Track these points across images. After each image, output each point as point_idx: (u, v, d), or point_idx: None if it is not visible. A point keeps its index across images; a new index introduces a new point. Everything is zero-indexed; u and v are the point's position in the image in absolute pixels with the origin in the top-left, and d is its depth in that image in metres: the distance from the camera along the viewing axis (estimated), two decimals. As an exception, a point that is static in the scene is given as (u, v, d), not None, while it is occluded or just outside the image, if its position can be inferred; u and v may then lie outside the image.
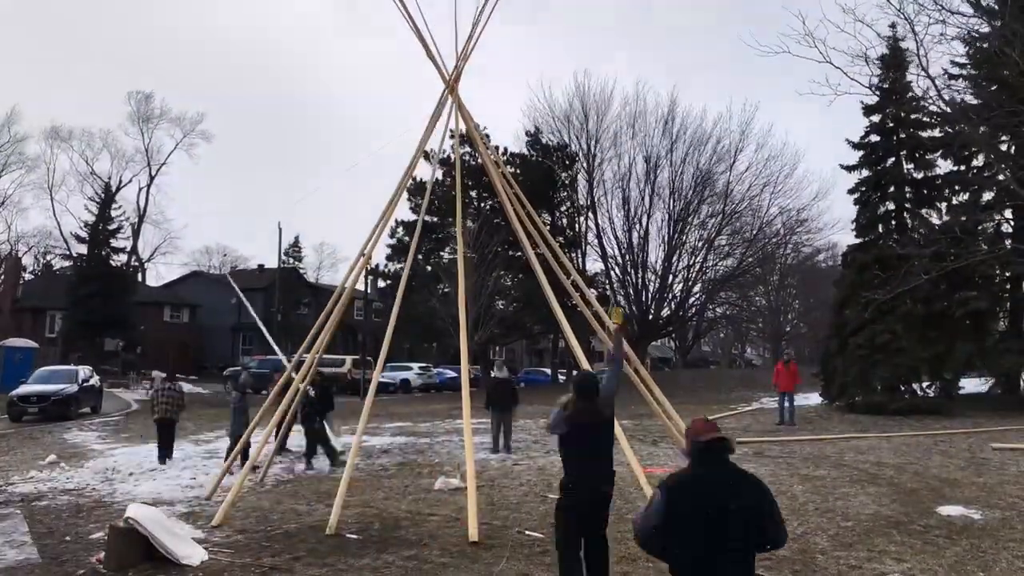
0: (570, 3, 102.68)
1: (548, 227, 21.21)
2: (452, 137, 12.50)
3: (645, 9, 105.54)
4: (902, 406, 21.61)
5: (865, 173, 25.40)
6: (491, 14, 11.29)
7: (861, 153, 25.47)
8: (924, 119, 24.07)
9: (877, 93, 17.25)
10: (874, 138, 25.28)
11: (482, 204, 35.64)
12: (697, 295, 45.30)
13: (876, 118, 24.99)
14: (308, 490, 10.90)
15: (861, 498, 10.06)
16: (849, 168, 25.75)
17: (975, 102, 18.80)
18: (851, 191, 25.74)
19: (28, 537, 8.23)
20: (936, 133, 24.09)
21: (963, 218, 22.77)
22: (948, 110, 10.96)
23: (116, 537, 7.06)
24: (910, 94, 23.55)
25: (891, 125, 24.79)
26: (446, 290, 31.96)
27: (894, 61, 23.04)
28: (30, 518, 9.13)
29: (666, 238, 42.37)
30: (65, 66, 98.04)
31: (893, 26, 21.40)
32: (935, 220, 25.15)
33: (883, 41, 21.40)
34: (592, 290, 29.86)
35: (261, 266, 65.14)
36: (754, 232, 43.63)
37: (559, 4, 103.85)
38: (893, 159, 25.07)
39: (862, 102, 24.29)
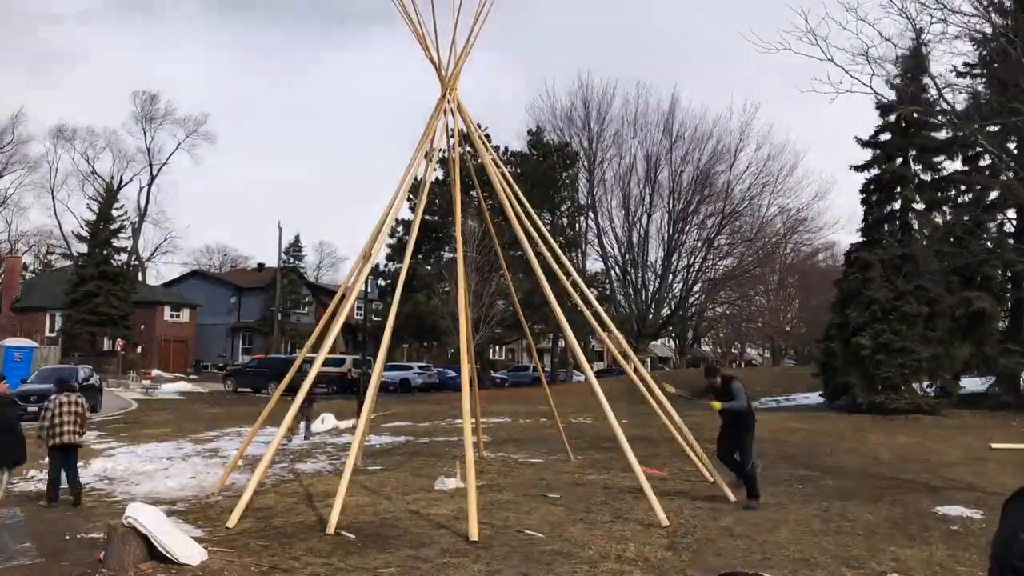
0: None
1: (548, 227, 21.21)
2: (451, 137, 12.47)
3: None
4: (903, 405, 21.65)
5: (875, 171, 25.24)
6: (488, 13, 11.32)
7: (871, 152, 25.28)
8: (933, 120, 23.95)
9: (894, 91, 17.16)
10: (883, 137, 25.12)
11: (480, 203, 35.55)
12: (697, 295, 45.33)
13: (892, 117, 24.78)
14: (308, 490, 10.90)
15: (861, 497, 10.06)
16: (858, 167, 25.61)
17: (981, 102, 18.75)
18: (862, 190, 25.54)
19: (28, 536, 8.23)
20: (941, 135, 24.02)
21: (966, 218, 22.77)
22: (950, 109, 10.93)
23: (116, 537, 7.06)
24: (924, 95, 23.45)
25: (903, 125, 24.66)
26: (446, 290, 31.96)
27: (913, 61, 22.87)
28: (30, 518, 9.12)
29: (666, 237, 42.41)
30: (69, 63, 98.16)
31: (916, 27, 21.27)
32: (939, 220, 25.13)
33: (884, 41, 21.26)
34: (592, 290, 29.89)
35: (261, 265, 65.21)
36: (754, 232, 43.64)
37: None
38: (901, 159, 24.99)
39: (877, 100, 24.10)
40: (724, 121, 55.81)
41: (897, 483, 11.23)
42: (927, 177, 25.05)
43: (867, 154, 25.44)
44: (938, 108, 11.54)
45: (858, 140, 25.56)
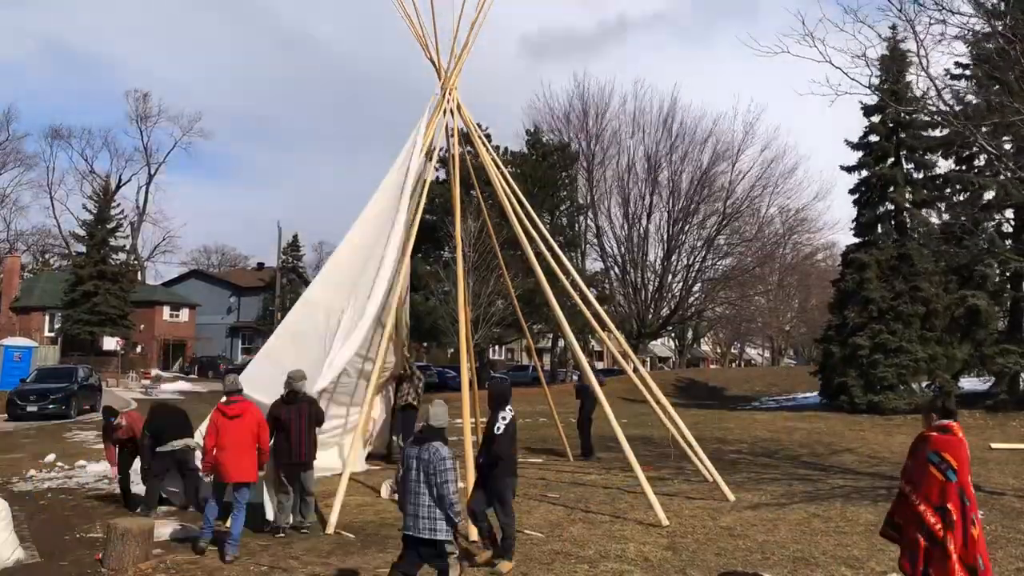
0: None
1: (548, 227, 21.19)
2: (451, 136, 12.47)
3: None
4: (901, 405, 21.68)
5: (864, 173, 25.42)
6: (487, 14, 11.33)
7: (861, 154, 25.48)
8: (924, 119, 24.06)
9: (877, 94, 17.31)
10: (873, 138, 25.28)
11: (479, 203, 35.41)
12: (696, 294, 45.31)
13: (876, 118, 25.00)
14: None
15: (861, 497, 10.07)
16: (849, 169, 25.77)
17: (976, 102, 18.79)
18: (851, 191, 25.75)
19: (28, 536, 8.22)
20: (936, 133, 24.10)
21: (963, 218, 22.79)
22: (948, 110, 10.94)
23: (115, 537, 7.06)
24: (910, 94, 23.56)
25: (891, 125, 24.79)
26: (446, 289, 31.96)
27: (894, 62, 23.02)
28: (30, 518, 9.11)
29: (665, 237, 42.38)
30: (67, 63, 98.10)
31: (893, 27, 21.39)
32: (935, 220, 25.18)
33: (883, 42, 21.38)
34: (592, 290, 29.86)
35: (260, 264, 65.11)
36: (754, 232, 43.62)
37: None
38: (892, 159, 25.09)
39: (861, 103, 24.28)
40: (726, 121, 55.66)
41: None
42: (919, 175, 25.14)
43: (859, 155, 25.58)
44: (935, 108, 11.54)
45: (848, 143, 25.69)
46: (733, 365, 74.77)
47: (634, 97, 64.94)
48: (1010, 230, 24.18)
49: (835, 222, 60.18)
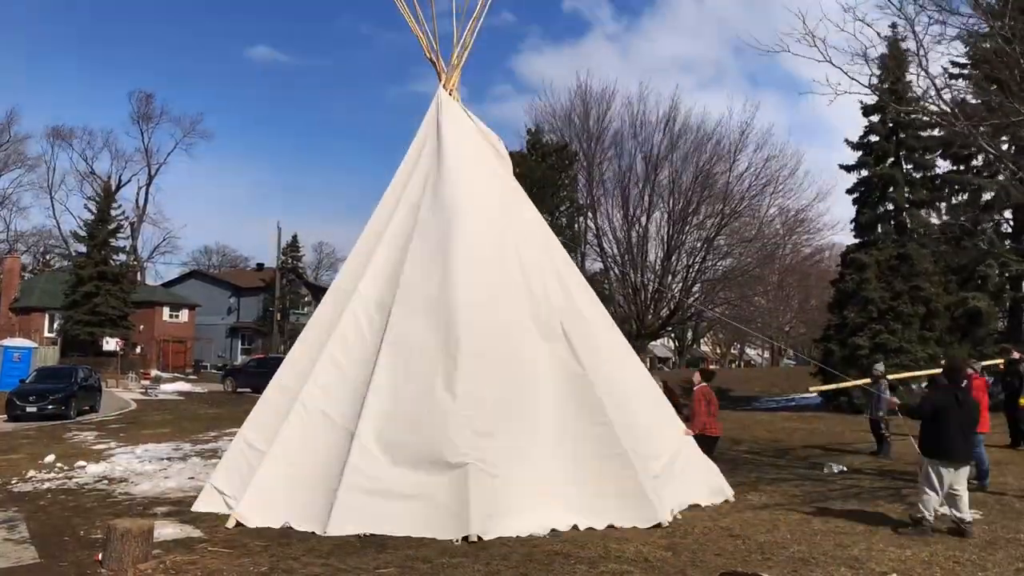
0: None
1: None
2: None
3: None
4: (900, 405, 21.70)
5: (864, 173, 25.47)
6: (486, 13, 11.31)
7: (860, 153, 25.54)
8: (924, 119, 24.07)
9: (876, 93, 17.35)
10: (873, 138, 25.33)
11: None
12: (696, 295, 45.26)
13: (875, 118, 25.03)
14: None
15: (861, 497, 10.07)
16: (848, 168, 25.81)
17: (975, 102, 18.81)
18: (850, 191, 25.81)
19: (28, 537, 8.22)
20: (935, 133, 24.14)
21: (962, 218, 22.84)
22: (948, 110, 10.95)
23: (115, 537, 7.06)
24: (910, 94, 23.58)
25: (890, 125, 24.82)
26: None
27: (894, 61, 23.03)
28: (30, 518, 9.11)
29: (665, 238, 42.32)
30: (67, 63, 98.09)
31: (893, 26, 21.41)
32: (934, 220, 25.23)
33: (883, 41, 21.39)
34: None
35: (260, 265, 65.11)
36: (754, 232, 43.54)
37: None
38: (892, 159, 25.11)
39: (861, 102, 24.32)
40: (725, 121, 55.18)
41: (897, 483, 11.24)
42: (919, 175, 25.17)
43: (859, 155, 25.62)
44: (937, 108, 11.56)
45: (848, 142, 25.74)
46: (733, 366, 74.78)
47: (637, 98, 64.65)
48: (1009, 230, 24.22)
49: (835, 222, 59.85)
